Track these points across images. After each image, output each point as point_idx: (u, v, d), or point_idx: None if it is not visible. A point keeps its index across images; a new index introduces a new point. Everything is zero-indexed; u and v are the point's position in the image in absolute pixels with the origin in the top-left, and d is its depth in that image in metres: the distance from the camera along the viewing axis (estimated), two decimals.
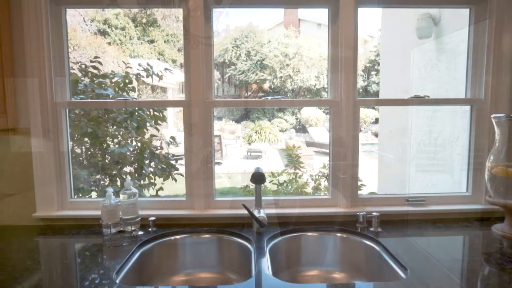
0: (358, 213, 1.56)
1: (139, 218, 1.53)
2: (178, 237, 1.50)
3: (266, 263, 1.22)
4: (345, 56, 1.61)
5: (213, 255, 1.51)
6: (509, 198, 1.42)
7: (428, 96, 1.69)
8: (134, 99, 1.66)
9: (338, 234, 1.52)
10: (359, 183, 2.94)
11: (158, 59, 12.86)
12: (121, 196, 1.51)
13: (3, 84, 1.47)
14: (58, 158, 1.62)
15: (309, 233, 1.54)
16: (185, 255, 1.50)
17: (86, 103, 1.88)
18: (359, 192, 1.71)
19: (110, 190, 1.49)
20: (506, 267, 1.17)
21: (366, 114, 12.16)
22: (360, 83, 13.75)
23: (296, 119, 13.41)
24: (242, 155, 9.53)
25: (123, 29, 11.56)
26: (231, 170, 7.46)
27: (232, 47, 13.32)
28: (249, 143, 10.41)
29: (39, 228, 1.58)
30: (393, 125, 3.36)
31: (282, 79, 13.12)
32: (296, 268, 1.51)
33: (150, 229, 1.53)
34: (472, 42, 1.69)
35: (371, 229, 1.51)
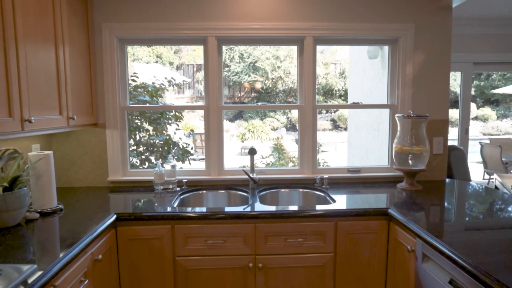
0: (315, 177, 2.47)
1: (177, 180, 2.41)
2: (204, 191, 2.40)
3: (257, 203, 2.12)
4: (307, 77, 2.51)
5: (225, 202, 2.41)
6: (404, 165, 2.34)
7: (362, 102, 2.61)
8: (172, 104, 2.54)
9: (301, 190, 2.43)
10: (326, 163, 3.87)
11: (156, 61, 13.63)
12: (166, 166, 2.39)
13: (91, 95, 2.34)
14: (122, 143, 2.50)
15: (283, 189, 2.44)
16: (208, 202, 2.39)
17: (141, 107, 2.73)
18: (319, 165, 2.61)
19: (159, 162, 2.38)
20: (394, 202, 2.09)
21: None
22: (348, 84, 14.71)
23: (287, 118, 14.26)
24: (236, 152, 10.33)
25: None
26: (226, 166, 8.28)
27: (226, 49, 14.07)
28: (242, 141, 11.17)
29: (110, 188, 2.45)
30: (356, 122, 4.29)
31: (274, 80, 13.95)
32: None
33: (183, 187, 2.41)
34: (390, 67, 2.61)
35: (323, 186, 2.42)
